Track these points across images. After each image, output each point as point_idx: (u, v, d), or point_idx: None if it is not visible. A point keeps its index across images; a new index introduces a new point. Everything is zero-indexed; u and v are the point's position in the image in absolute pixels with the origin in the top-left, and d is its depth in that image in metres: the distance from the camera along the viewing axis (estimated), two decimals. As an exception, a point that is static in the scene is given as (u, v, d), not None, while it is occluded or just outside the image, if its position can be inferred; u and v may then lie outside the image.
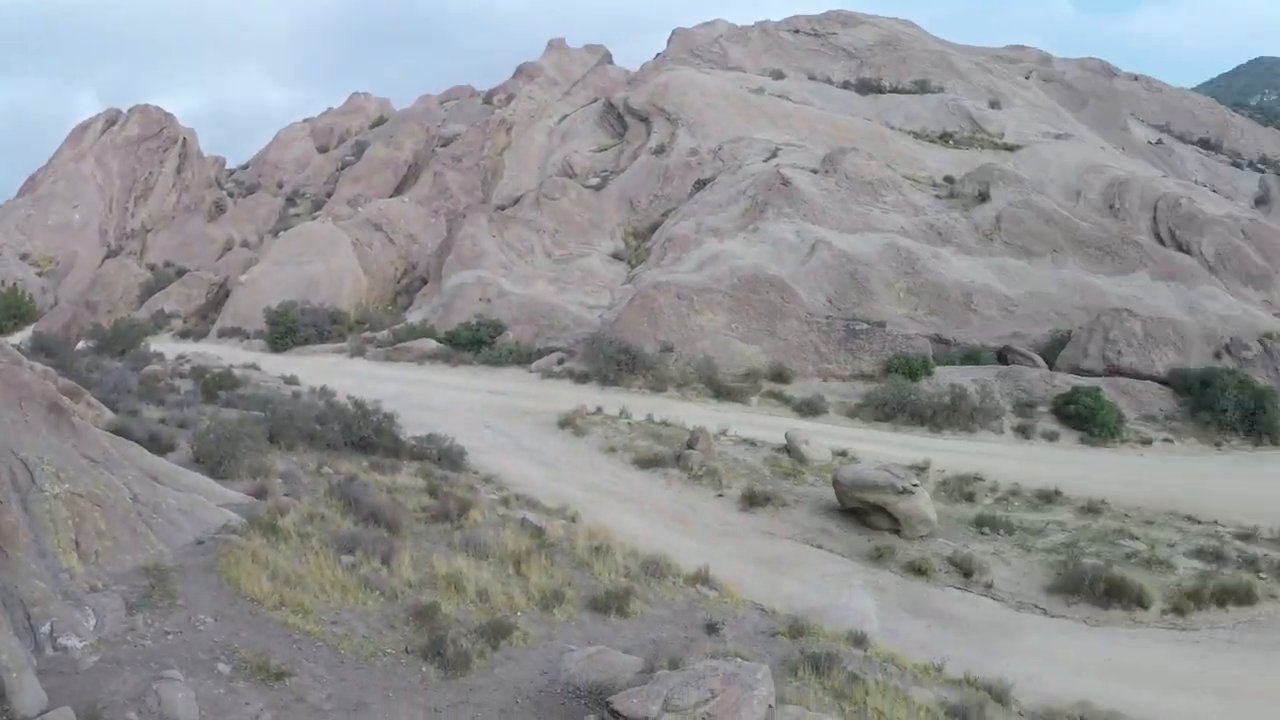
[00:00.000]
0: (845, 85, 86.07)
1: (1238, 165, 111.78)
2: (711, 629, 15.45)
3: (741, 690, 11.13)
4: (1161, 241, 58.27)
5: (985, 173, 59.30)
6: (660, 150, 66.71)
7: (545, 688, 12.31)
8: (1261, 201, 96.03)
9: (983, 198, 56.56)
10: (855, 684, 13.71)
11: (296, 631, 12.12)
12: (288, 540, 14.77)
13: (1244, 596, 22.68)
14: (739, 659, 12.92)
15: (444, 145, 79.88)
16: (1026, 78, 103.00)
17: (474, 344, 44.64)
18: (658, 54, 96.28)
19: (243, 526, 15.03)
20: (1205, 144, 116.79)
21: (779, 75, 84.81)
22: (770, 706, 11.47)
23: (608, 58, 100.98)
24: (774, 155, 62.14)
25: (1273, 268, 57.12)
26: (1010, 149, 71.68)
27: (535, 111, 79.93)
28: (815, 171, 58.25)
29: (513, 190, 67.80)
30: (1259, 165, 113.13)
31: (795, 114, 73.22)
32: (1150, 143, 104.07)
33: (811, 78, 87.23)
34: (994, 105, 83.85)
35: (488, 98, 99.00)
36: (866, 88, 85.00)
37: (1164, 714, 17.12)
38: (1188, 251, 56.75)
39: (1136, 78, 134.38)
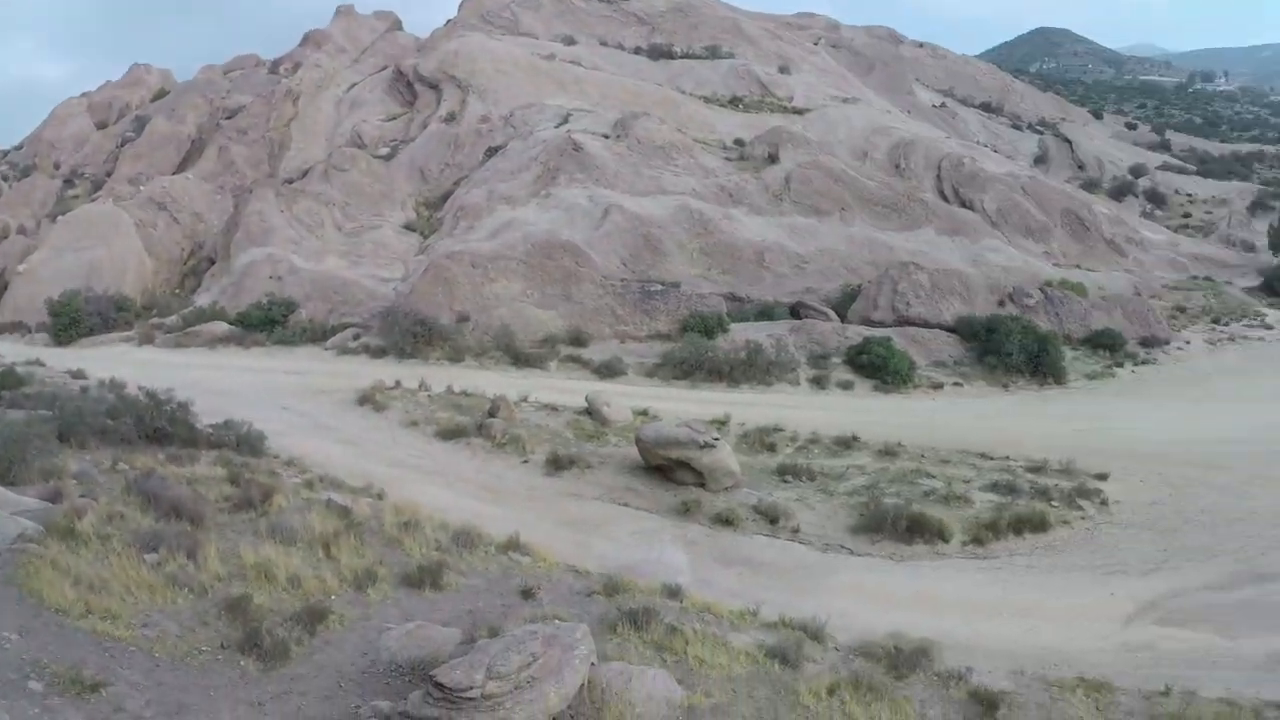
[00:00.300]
0: (637, 51, 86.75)
1: (1018, 127, 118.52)
2: (527, 594, 15.45)
3: (562, 651, 11.25)
4: (946, 199, 61.22)
5: (775, 135, 60.90)
6: (451, 118, 65.92)
7: (367, 669, 12.16)
8: (1040, 160, 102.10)
9: (772, 159, 58.06)
10: (674, 635, 13.99)
11: (107, 639, 11.60)
12: (88, 544, 14.07)
13: (1039, 524, 24.36)
14: (557, 621, 13.09)
15: (229, 118, 76.61)
16: (816, 44, 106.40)
17: (267, 324, 43.29)
18: (449, 20, 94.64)
19: (39, 534, 14.21)
20: (987, 107, 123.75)
21: (571, 41, 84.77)
22: (592, 664, 11.65)
23: (398, 24, 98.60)
24: (566, 121, 62.22)
25: (1051, 221, 60.85)
26: (799, 112, 73.85)
27: (323, 81, 77.60)
28: (607, 136, 58.64)
29: (301, 163, 65.77)
30: (1038, 127, 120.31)
31: (587, 80, 73.42)
32: (934, 106, 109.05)
33: (603, 43, 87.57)
34: (783, 70, 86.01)
35: (274, 67, 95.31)
36: (658, 53, 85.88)
37: (971, 638, 18.13)
38: (971, 208, 59.82)
39: (922, 45, 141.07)
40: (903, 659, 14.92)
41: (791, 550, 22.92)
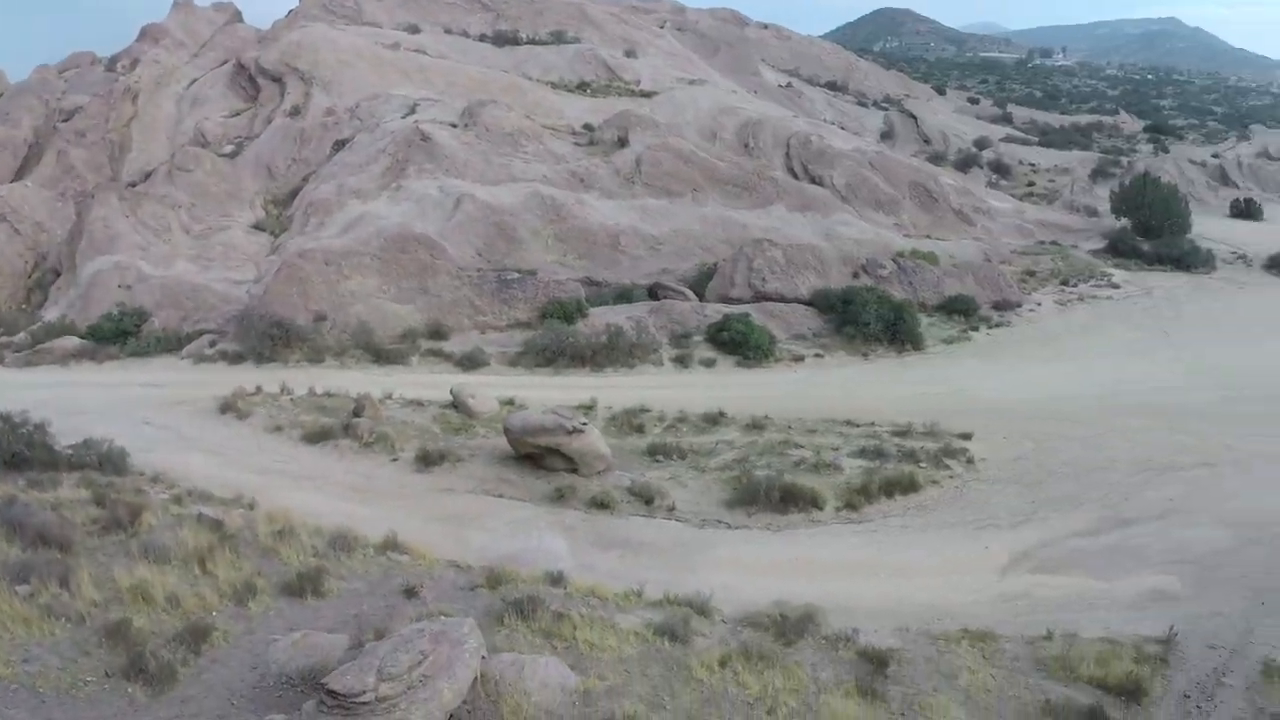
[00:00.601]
0: (482, 38, 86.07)
1: (863, 104, 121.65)
2: (410, 593, 15.47)
3: (451, 647, 11.40)
4: (796, 176, 62.30)
5: (623, 119, 61.13)
6: (296, 112, 64.48)
7: (257, 683, 12.09)
8: (887, 136, 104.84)
9: (622, 143, 58.33)
10: (562, 621, 14.25)
11: (-12, 679, 11.35)
12: (-45, 582, 13.67)
13: (908, 485, 25.45)
14: (443, 617, 13.20)
15: (66, 120, 73.02)
16: (661, 27, 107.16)
17: (119, 336, 41.58)
18: (290, 10, 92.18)
19: (-98, 575, 13.76)
20: (833, 86, 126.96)
21: (415, 29, 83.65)
22: (483, 657, 11.83)
23: (237, 16, 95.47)
24: (413, 111, 61.44)
25: (900, 194, 62.47)
26: (647, 95, 74.21)
27: (162, 77, 74.72)
28: (455, 125, 58.16)
29: (143, 164, 63.34)
30: (883, 104, 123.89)
31: (433, 68, 72.54)
32: (781, 86, 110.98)
33: (448, 31, 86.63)
34: (630, 54, 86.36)
35: (111, 65, 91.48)
36: (503, 40, 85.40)
37: (853, 600, 18.82)
38: (821, 184, 60.99)
39: (767, 26, 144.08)
40: (789, 626, 15.50)
41: (669, 528, 23.39)
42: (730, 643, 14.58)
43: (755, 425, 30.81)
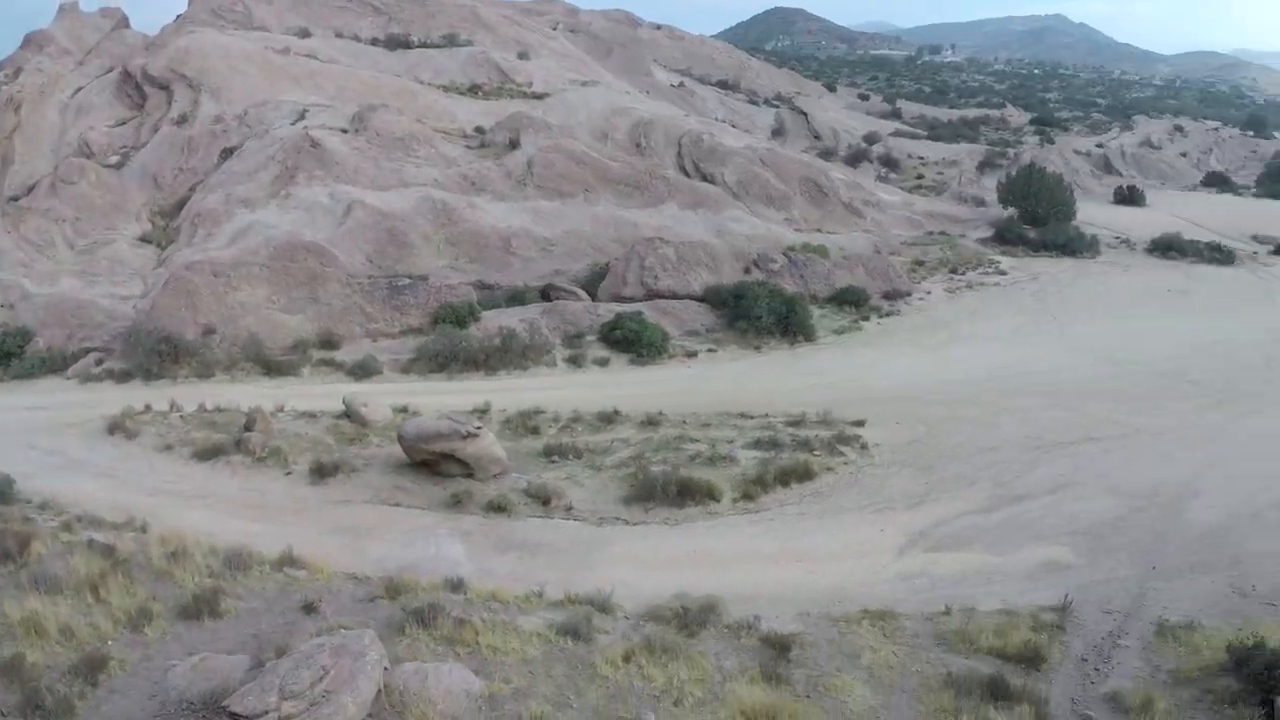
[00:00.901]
0: (374, 42, 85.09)
1: (755, 102, 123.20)
2: (309, 609, 15.38)
3: (353, 660, 11.46)
4: (687, 174, 63.00)
5: (515, 121, 61.21)
6: (183, 120, 63.14)
7: (158, 711, 11.99)
8: (778, 133, 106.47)
9: (514, 145, 58.41)
10: (464, 627, 14.29)
11: (-122, 727, 11.18)
12: None
13: (804, 474, 26.02)
14: (343, 630, 13.19)
15: (-52, 133, 70.82)
16: (554, 29, 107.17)
17: (1, 358, 40.48)
18: (178, 16, 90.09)
19: None
20: (724, 85, 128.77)
21: (306, 34, 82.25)
22: (386, 668, 11.92)
23: (125, 22, 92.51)
24: (302, 117, 60.63)
25: (790, 190, 63.56)
26: (539, 97, 74.27)
27: (46, 86, 72.40)
28: (346, 131, 57.65)
29: (26, 177, 61.14)
30: (774, 102, 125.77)
31: (323, 73, 71.54)
32: (673, 86, 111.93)
33: (339, 35, 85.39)
34: (522, 56, 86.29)
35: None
36: (395, 43, 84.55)
37: (754, 589, 19.29)
38: (712, 181, 61.83)
39: (659, 27, 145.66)
40: (691, 617, 15.85)
41: (566, 528, 23.64)
42: (633, 638, 14.82)
43: (650, 422, 31.19)
